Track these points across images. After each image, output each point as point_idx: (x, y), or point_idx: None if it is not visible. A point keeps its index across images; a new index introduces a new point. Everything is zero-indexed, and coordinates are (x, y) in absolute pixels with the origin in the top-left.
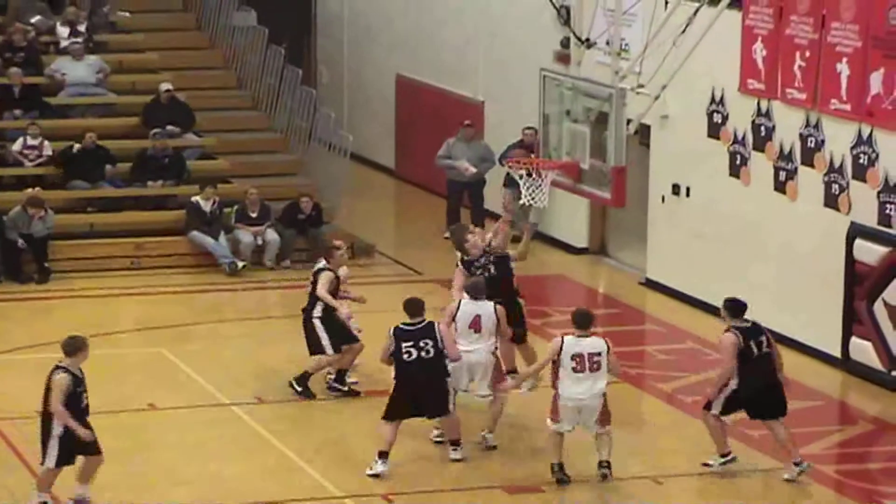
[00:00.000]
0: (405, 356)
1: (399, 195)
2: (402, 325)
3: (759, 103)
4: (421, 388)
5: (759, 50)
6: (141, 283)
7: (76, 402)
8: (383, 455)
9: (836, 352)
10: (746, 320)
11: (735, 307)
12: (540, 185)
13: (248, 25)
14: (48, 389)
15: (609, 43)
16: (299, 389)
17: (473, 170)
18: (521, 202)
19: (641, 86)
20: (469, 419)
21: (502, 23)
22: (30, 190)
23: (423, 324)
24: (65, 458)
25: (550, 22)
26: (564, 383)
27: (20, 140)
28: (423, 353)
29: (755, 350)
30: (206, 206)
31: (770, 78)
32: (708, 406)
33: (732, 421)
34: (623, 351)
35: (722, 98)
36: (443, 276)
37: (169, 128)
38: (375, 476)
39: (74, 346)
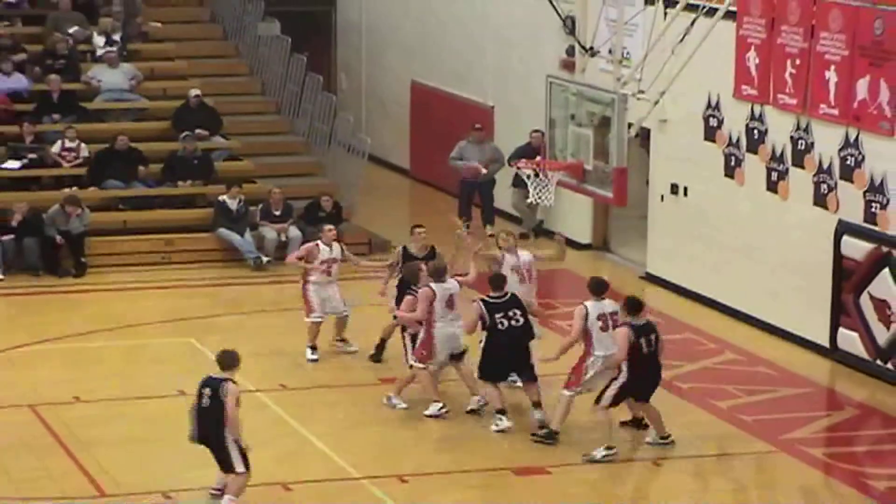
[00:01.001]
0: (499, 325)
1: (414, 194)
2: (488, 299)
3: (752, 108)
4: (513, 351)
5: (752, 58)
6: (171, 277)
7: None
8: (501, 412)
9: (825, 342)
10: (642, 318)
11: (634, 305)
12: (546, 185)
13: (271, 35)
14: (219, 402)
15: (611, 51)
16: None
17: (483, 171)
18: (529, 201)
19: (642, 91)
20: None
21: (511, 32)
22: (67, 189)
23: (508, 296)
24: (247, 460)
25: (556, 31)
26: (597, 345)
27: (58, 142)
28: (513, 322)
29: (645, 347)
30: (233, 205)
31: (763, 84)
32: (598, 400)
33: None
34: None
35: (717, 103)
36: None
37: (197, 131)
38: (502, 431)
39: (232, 360)
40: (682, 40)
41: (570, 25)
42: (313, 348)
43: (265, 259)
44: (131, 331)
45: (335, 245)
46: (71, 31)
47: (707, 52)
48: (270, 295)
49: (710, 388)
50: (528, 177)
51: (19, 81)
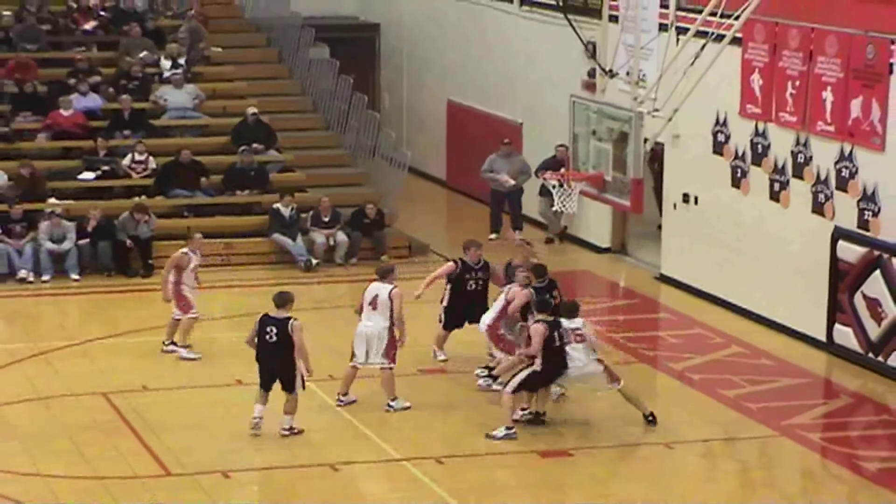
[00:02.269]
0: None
1: (449, 202)
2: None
3: (756, 125)
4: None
5: (756, 80)
6: (230, 277)
7: None
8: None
9: (822, 336)
10: (551, 316)
11: (542, 304)
12: (570, 194)
13: (322, 59)
14: (288, 336)
15: (629, 73)
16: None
17: (512, 181)
18: (555, 208)
19: (657, 110)
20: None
21: (538, 56)
22: (137, 198)
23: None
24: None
25: (579, 55)
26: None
27: (129, 156)
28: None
29: (557, 340)
30: (286, 212)
31: (766, 103)
32: (505, 385)
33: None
34: (640, 335)
35: (725, 120)
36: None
37: (254, 145)
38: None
39: (286, 299)
40: (692, 63)
41: (591, 50)
42: (187, 347)
43: (315, 261)
44: (194, 326)
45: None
46: (141, 55)
47: (716, 74)
48: (319, 294)
49: (717, 379)
50: (554, 187)
51: (94, 101)
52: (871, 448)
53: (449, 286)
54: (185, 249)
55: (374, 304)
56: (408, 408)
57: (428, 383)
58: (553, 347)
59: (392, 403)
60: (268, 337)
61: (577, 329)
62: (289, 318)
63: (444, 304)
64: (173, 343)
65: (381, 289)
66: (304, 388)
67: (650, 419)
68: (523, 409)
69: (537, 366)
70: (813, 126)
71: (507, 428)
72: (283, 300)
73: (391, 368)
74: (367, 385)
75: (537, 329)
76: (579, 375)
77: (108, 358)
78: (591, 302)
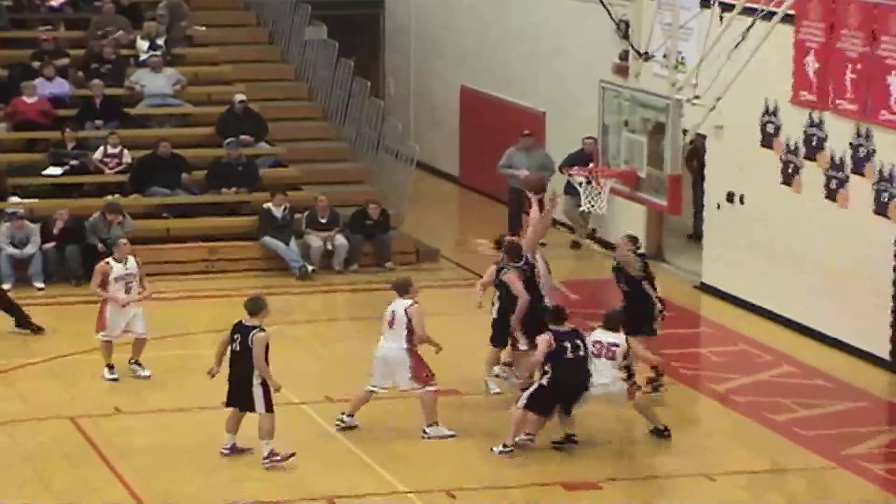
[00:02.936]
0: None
1: (463, 202)
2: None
3: (811, 114)
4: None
5: (810, 63)
6: (215, 286)
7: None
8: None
9: (886, 354)
10: (566, 325)
11: (556, 312)
12: (599, 193)
13: (318, 39)
14: (246, 348)
15: (666, 56)
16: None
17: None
18: (581, 209)
19: (697, 97)
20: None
21: (563, 37)
22: (110, 197)
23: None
24: (271, 403)
25: (610, 36)
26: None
27: (101, 149)
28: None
29: (569, 352)
30: (278, 213)
31: (821, 90)
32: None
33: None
34: (679, 353)
35: (775, 109)
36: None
37: (242, 137)
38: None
39: (259, 306)
40: (738, 45)
41: (623, 29)
42: (110, 367)
43: (311, 268)
44: (174, 341)
45: (130, 260)
46: (114, 35)
47: (764, 56)
48: (316, 305)
49: (765, 402)
50: (580, 184)
51: (61, 86)
52: None
53: (498, 293)
54: (108, 258)
55: (392, 322)
56: (451, 436)
57: (442, 404)
58: (564, 360)
59: (428, 430)
60: (233, 346)
61: (614, 344)
62: (255, 328)
63: (494, 314)
64: (137, 363)
65: (398, 305)
66: (269, 409)
67: (665, 433)
68: (528, 435)
69: (544, 380)
70: (875, 115)
71: (504, 445)
72: (255, 307)
73: (433, 390)
74: (369, 408)
75: (542, 339)
76: (603, 394)
77: (77, 377)
78: None
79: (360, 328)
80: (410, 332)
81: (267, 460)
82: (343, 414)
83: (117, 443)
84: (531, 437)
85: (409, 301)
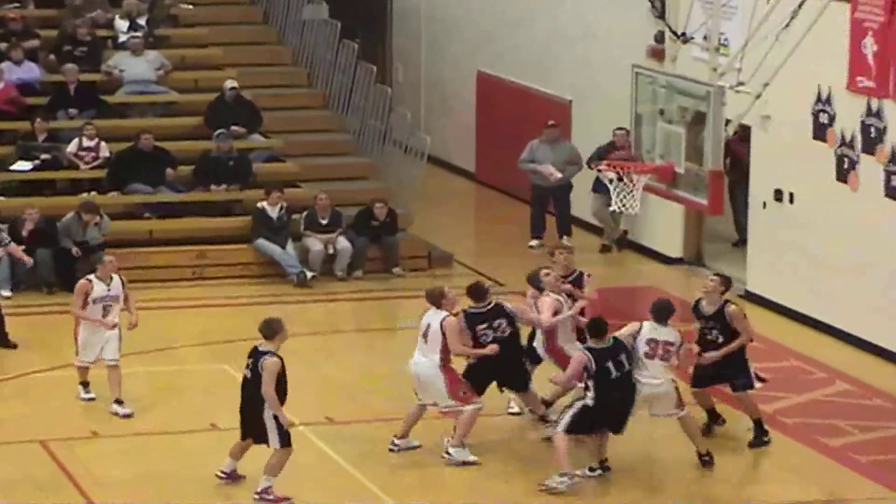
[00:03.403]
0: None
1: (479, 201)
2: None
3: (868, 102)
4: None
5: (868, 45)
6: (203, 295)
7: (284, 385)
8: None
9: None
10: (605, 340)
11: (595, 326)
12: (631, 191)
13: (318, 19)
14: (257, 374)
15: (707, 37)
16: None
17: (559, 174)
18: (611, 209)
19: (742, 83)
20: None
21: (591, 16)
22: (84, 195)
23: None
24: (288, 437)
25: (644, 15)
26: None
27: (75, 141)
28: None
29: (613, 371)
30: (273, 213)
31: (881, 75)
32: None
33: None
34: None
35: (828, 97)
36: (526, 287)
37: (234, 128)
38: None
39: (273, 330)
40: (788, 24)
41: (659, 8)
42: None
43: (310, 274)
44: (158, 356)
45: (115, 279)
46: (90, 14)
47: (817, 38)
48: (316, 315)
49: (819, 424)
50: (611, 181)
51: (31, 71)
52: None
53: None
54: (90, 275)
55: (425, 335)
56: (473, 463)
57: (448, 428)
58: (609, 381)
59: (452, 451)
60: (245, 372)
61: (669, 342)
62: (266, 353)
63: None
64: (117, 402)
65: (433, 318)
66: (285, 443)
67: (706, 459)
68: (592, 471)
69: (589, 399)
70: None
71: (562, 474)
72: (270, 330)
73: (473, 409)
74: (374, 431)
75: (578, 358)
76: (650, 395)
77: (49, 396)
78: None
79: (365, 341)
80: (445, 347)
81: (258, 496)
82: (394, 437)
83: (93, 470)
84: (596, 470)
85: (445, 313)
